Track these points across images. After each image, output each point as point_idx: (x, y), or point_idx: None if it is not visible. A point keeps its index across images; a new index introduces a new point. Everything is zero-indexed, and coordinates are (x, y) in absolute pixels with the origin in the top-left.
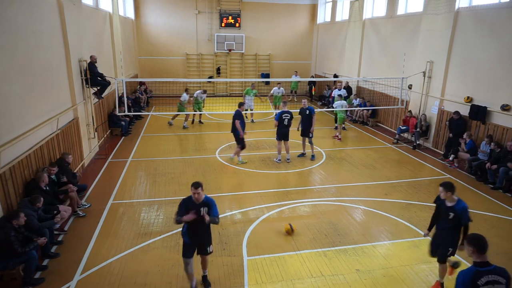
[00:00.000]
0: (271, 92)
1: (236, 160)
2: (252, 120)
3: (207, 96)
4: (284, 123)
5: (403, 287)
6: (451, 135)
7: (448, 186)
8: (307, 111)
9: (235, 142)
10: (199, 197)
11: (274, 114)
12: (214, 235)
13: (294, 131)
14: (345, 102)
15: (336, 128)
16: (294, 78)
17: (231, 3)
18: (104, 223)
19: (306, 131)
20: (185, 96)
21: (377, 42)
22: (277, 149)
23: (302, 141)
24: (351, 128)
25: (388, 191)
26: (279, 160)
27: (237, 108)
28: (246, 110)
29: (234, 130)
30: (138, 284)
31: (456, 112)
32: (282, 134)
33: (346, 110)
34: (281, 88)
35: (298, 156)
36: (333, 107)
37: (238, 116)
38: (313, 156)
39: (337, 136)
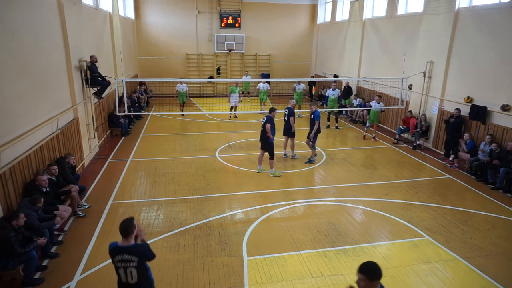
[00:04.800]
0: (294, 86)
1: (276, 173)
2: (235, 116)
3: (189, 97)
4: (284, 118)
5: (403, 287)
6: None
7: (371, 273)
8: (312, 115)
9: (261, 153)
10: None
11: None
12: (214, 235)
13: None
14: (382, 104)
15: (336, 127)
16: (245, 79)
17: (231, 3)
18: (104, 223)
19: (308, 134)
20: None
21: (377, 42)
22: (283, 145)
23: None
24: (351, 128)
25: (388, 191)
26: (285, 155)
27: (267, 114)
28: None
29: (263, 137)
30: None
31: (457, 109)
32: (284, 129)
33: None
34: (302, 84)
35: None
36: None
37: (269, 120)
38: (310, 160)
39: (374, 137)
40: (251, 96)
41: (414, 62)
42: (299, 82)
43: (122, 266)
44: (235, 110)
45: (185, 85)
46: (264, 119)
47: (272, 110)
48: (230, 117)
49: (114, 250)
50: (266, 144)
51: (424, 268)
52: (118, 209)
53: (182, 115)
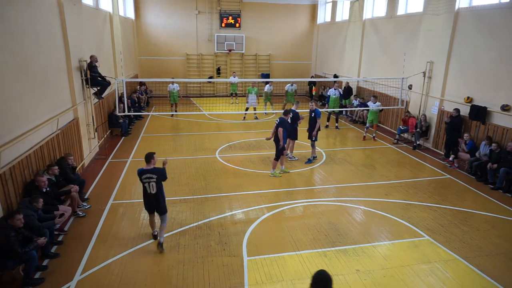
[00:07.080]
0: (286, 88)
1: (276, 173)
2: (256, 117)
3: (189, 97)
4: (288, 121)
5: (403, 287)
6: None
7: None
8: (313, 113)
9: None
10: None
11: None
12: (214, 235)
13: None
14: (379, 103)
15: (336, 127)
16: (233, 80)
17: (231, 3)
18: (104, 223)
19: (309, 134)
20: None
21: (377, 42)
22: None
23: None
24: (351, 128)
25: (388, 191)
26: (286, 154)
27: (282, 115)
28: (247, 109)
29: (276, 139)
30: (138, 284)
31: (456, 110)
32: (288, 132)
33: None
34: (294, 85)
35: (306, 162)
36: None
37: (282, 124)
38: (309, 159)
39: (374, 137)
40: (239, 97)
41: (414, 62)
42: (292, 83)
43: (147, 182)
44: (254, 110)
45: (177, 85)
46: (277, 120)
47: (286, 113)
48: (245, 117)
49: (141, 172)
50: (276, 145)
51: (424, 268)
52: (118, 209)
53: (172, 115)
